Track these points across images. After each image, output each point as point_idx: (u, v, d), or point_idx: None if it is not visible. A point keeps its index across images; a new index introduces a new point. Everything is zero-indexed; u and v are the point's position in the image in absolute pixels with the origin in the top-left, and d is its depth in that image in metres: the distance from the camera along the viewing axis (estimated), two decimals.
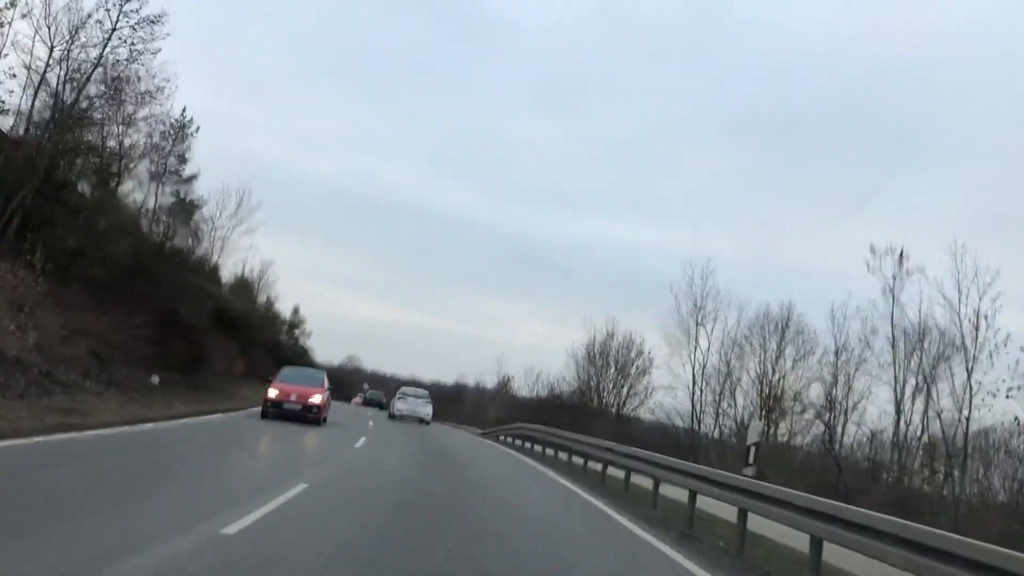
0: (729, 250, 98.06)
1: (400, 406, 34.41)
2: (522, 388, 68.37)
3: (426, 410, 34.17)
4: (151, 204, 28.01)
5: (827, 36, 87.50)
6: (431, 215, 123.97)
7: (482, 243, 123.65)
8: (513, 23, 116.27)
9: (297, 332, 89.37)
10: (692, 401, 41.84)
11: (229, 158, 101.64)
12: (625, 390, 48.31)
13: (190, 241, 33.67)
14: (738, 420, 38.36)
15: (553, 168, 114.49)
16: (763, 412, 37.44)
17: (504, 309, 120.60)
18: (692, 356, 42.90)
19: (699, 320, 43.81)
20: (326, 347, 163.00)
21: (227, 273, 50.56)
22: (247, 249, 41.26)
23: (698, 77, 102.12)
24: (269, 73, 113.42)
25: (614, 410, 47.22)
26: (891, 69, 78.47)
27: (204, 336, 31.70)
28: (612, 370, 49.05)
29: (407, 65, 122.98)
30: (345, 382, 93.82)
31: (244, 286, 57.90)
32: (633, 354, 48.83)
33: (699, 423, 40.73)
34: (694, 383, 42.21)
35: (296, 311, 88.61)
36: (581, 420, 39.01)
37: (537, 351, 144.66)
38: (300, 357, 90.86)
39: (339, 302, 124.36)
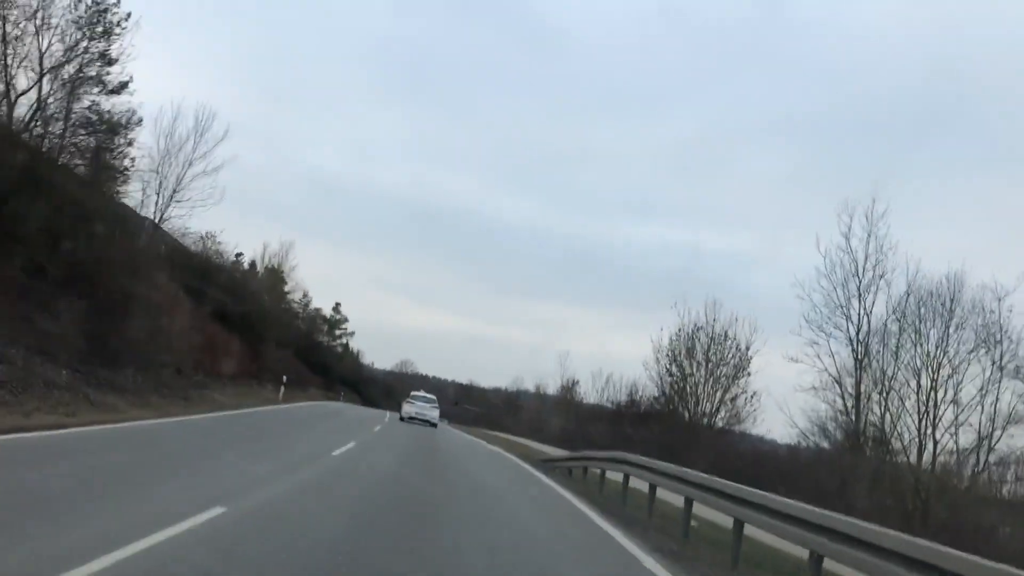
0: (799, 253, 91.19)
1: (408, 409, 35.71)
2: (589, 393, 59.17)
3: (433, 414, 35.89)
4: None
5: (892, 34, 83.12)
6: (491, 223, 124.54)
7: (542, 250, 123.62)
8: (575, 30, 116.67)
9: (339, 332, 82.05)
10: (856, 408, 29.37)
11: (290, 172, 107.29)
12: (720, 395, 38.21)
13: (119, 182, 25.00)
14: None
15: (614, 173, 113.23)
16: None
17: (565, 316, 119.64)
18: (854, 338, 30.33)
19: (859, 290, 31.31)
20: (381, 353, 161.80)
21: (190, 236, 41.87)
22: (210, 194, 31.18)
23: (760, 77, 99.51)
24: (330, 87, 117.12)
25: (712, 420, 37.18)
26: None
27: (157, 322, 23.50)
28: (705, 369, 39.01)
29: (470, 75, 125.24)
30: (399, 390, 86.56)
31: (269, 276, 49.92)
32: (734, 349, 38.76)
33: (867, 439, 29.47)
34: (858, 380, 29.76)
35: (337, 308, 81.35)
36: (672, 437, 29.40)
37: (598, 359, 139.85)
38: (340, 360, 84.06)
39: (397, 309, 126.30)
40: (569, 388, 59.66)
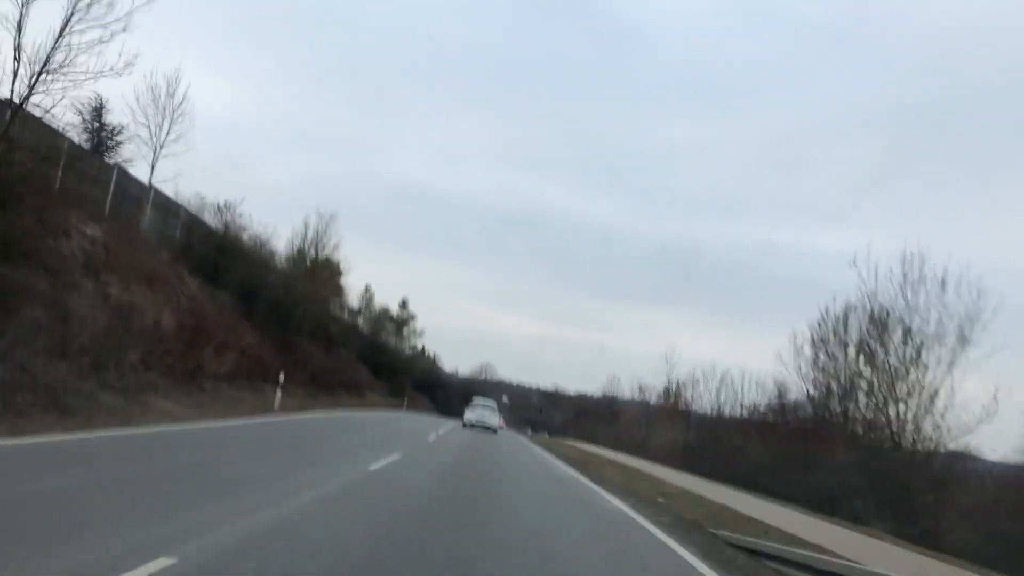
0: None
1: (469, 416, 36.21)
2: (696, 399, 48.48)
3: (493, 420, 36.12)
4: None
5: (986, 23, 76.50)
6: (574, 225, 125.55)
7: (626, 251, 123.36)
8: (656, 27, 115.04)
9: (407, 332, 73.48)
10: None
11: (371, 181, 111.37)
12: (921, 399, 26.71)
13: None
14: None
15: (699, 171, 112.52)
16: None
17: (656, 318, 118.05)
18: None
19: None
20: (463, 360, 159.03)
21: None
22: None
23: (847, 68, 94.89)
24: (411, 96, 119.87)
25: (914, 436, 25.74)
26: None
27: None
28: (884, 362, 27.65)
29: (549, 78, 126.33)
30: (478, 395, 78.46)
31: (304, 260, 41.16)
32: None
33: None
34: None
35: (404, 305, 72.75)
36: (876, 466, 18.69)
37: (693, 361, 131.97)
38: (411, 364, 75.61)
39: (479, 315, 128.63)
40: (677, 392, 48.79)
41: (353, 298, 64.06)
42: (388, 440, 17.36)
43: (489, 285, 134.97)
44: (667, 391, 50.04)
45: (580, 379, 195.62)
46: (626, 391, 64.36)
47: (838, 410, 29.48)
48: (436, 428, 28.04)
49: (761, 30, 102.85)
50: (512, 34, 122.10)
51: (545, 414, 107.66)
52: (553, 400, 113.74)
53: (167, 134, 27.11)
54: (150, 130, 26.96)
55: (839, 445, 23.30)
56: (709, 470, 24.91)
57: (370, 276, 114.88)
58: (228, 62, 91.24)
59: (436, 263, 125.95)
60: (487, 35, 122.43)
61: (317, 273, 40.37)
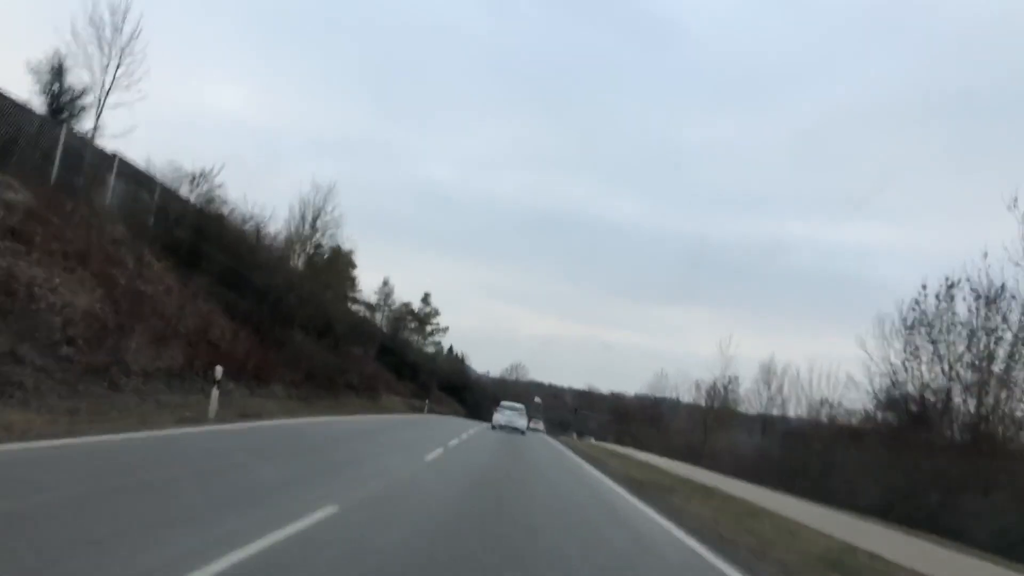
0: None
1: (498, 418, 37.00)
2: (758, 398, 42.25)
3: (521, 422, 36.95)
4: None
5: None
6: (606, 225, 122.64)
7: (659, 251, 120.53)
8: (685, 22, 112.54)
9: (430, 328, 67.57)
10: None
11: (399, 185, 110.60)
12: None
13: None
14: None
15: (730, 168, 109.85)
16: None
17: (690, 318, 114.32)
18: None
19: None
20: (494, 361, 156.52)
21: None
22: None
23: (880, 57, 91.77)
24: (443, 100, 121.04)
25: None
26: None
27: None
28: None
29: (583, 77, 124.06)
30: (510, 398, 73.25)
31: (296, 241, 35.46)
32: None
33: None
34: None
35: (426, 300, 66.86)
36: None
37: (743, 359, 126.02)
38: (433, 361, 70.08)
39: (511, 316, 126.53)
40: (723, 391, 42.18)
41: (369, 293, 58.76)
42: (336, 473, 10.95)
43: (520, 287, 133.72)
44: (723, 389, 43.56)
45: (615, 379, 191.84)
46: (675, 390, 57.92)
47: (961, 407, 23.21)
48: (452, 436, 22.28)
49: (790, 21, 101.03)
50: (542, 35, 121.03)
51: (580, 415, 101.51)
52: (587, 400, 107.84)
53: (114, 78, 21.75)
54: (92, 73, 21.61)
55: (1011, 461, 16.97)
56: (810, 490, 19.00)
57: (398, 279, 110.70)
58: (254, 66, 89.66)
59: (466, 266, 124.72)
60: (517, 37, 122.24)
61: (317, 259, 34.79)
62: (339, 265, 44.19)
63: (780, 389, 38.52)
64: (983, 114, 77.84)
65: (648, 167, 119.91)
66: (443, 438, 20.46)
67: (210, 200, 28.90)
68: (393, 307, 61.13)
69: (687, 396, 53.36)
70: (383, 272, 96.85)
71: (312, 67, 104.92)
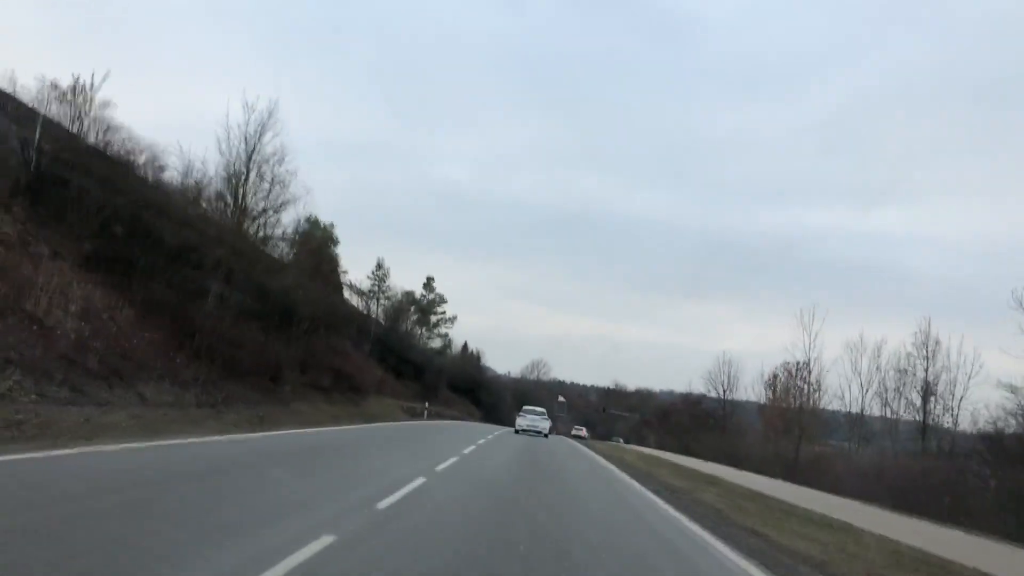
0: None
1: (521, 422, 37.87)
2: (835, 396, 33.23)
3: (543, 425, 37.78)
4: None
5: None
6: (627, 223, 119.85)
7: (682, 245, 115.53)
8: (706, 11, 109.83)
9: (435, 319, 58.56)
10: None
11: (417, 187, 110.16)
12: None
13: None
14: None
15: (756, 160, 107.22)
16: None
17: (718, 312, 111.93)
18: None
19: None
20: (515, 362, 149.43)
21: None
22: None
23: (905, 39, 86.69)
24: (462, 101, 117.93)
25: None
26: None
27: None
28: None
29: (605, 74, 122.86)
30: (533, 399, 65.15)
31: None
32: None
33: None
34: None
35: (429, 285, 57.72)
36: None
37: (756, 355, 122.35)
38: (438, 357, 61.35)
39: (533, 316, 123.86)
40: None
41: (362, 278, 50.31)
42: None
43: (540, 284, 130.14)
44: (807, 384, 34.36)
45: (644, 375, 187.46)
46: (731, 385, 48.82)
47: None
48: (440, 461, 13.58)
49: (812, 7, 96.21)
50: (563, 32, 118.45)
51: (608, 413, 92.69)
52: (614, 398, 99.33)
53: None
54: None
55: None
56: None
57: (415, 281, 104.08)
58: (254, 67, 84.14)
59: (485, 265, 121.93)
60: (537, 34, 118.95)
61: (264, 212, 26.01)
62: (314, 239, 35.79)
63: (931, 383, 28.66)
64: None
65: (674, 162, 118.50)
66: (434, 459, 11.77)
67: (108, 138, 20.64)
68: (392, 298, 52.61)
69: (750, 393, 44.30)
70: (401, 273, 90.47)
71: (324, 71, 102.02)
